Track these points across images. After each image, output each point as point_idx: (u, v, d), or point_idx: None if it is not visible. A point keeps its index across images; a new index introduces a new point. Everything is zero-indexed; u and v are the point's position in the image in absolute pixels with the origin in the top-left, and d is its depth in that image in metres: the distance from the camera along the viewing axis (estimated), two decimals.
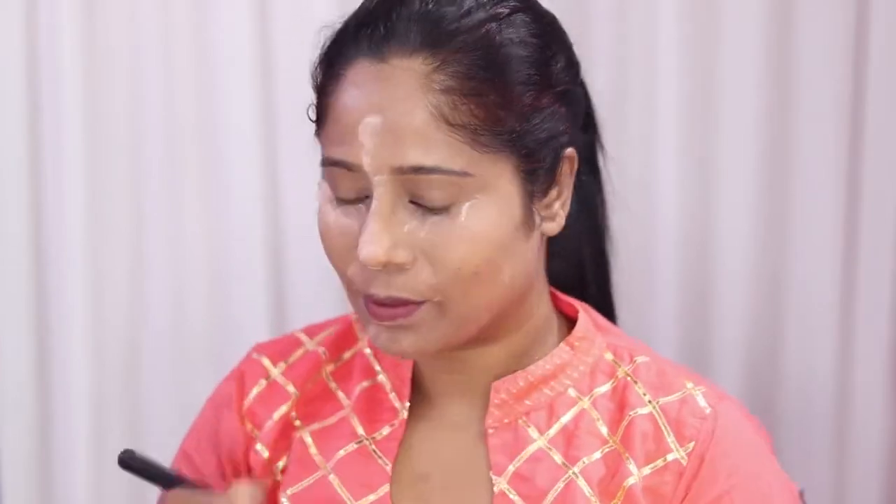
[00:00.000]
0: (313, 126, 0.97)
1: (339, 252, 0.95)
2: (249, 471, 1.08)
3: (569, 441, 0.99)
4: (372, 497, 1.01)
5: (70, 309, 1.41)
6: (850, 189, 1.37)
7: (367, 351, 1.08)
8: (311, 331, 1.13)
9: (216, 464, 1.09)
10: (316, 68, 0.97)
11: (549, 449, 0.99)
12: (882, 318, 1.37)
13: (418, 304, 0.93)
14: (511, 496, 0.98)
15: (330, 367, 1.09)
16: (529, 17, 0.96)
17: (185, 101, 1.42)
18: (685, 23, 1.37)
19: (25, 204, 1.40)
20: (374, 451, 1.03)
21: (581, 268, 1.14)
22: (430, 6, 0.92)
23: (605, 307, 1.14)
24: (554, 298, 1.06)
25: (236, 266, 1.44)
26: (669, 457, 0.97)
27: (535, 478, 0.98)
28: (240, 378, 1.11)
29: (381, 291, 0.93)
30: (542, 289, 1.03)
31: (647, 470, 0.97)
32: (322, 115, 0.96)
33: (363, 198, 0.93)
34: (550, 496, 0.98)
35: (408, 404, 1.04)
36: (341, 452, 1.04)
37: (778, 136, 1.38)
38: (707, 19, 1.38)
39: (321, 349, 1.10)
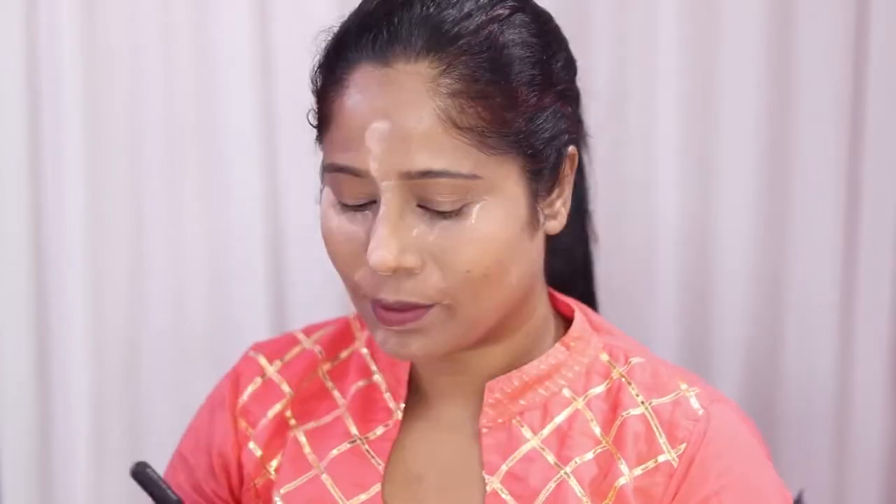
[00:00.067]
0: (313, 131, 0.97)
1: (345, 258, 0.95)
2: (241, 470, 1.08)
3: (562, 441, 0.99)
4: (363, 497, 1.02)
5: (70, 309, 1.41)
6: (850, 189, 1.37)
7: (364, 351, 1.08)
8: (308, 330, 1.13)
9: (207, 461, 1.09)
10: (315, 73, 0.97)
11: (543, 449, 0.99)
12: (882, 318, 1.37)
13: (427, 307, 0.93)
14: (503, 496, 0.98)
15: (326, 366, 1.09)
16: (528, 17, 0.96)
17: (185, 101, 1.41)
18: (685, 23, 1.37)
19: (25, 204, 1.40)
20: (368, 450, 1.03)
21: (571, 264, 1.15)
22: (432, 9, 0.92)
23: (590, 302, 1.15)
24: (551, 298, 1.06)
25: (236, 266, 1.44)
26: (660, 458, 0.97)
27: (527, 477, 0.98)
28: (235, 377, 1.11)
29: (390, 296, 0.93)
30: (541, 289, 1.03)
31: (638, 471, 0.97)
32: (324, 121, 0.95)
33: (369, 203, 0.93)
34: (542, 496, 0.98)
35: (403, 405, 1.04)
36: (334, 452, 1.04)
37: (778, 136, 1.39)
38: (707, 19, 1.38)
39: (317, 348, 1.10)
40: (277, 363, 1.10)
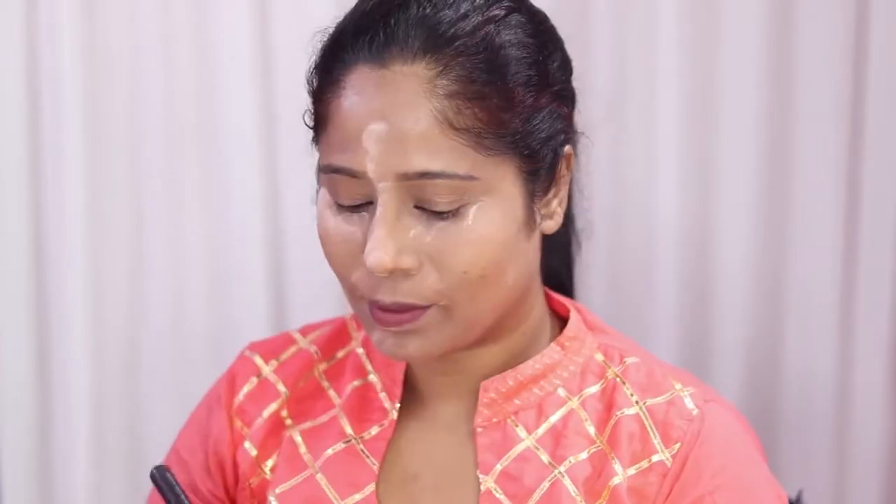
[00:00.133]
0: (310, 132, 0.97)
1: (342, 259, 0.95)
2: (237, 469, 1.08)
3: (556, 441, 0.99)
4: (358, 496, 1.02)
5: (70, 309, 1.41)
6: (850, 189, 1.37)
7: (360, 351, 1.09)
8: (305, 330, 1.13)
9: (203, 459, 1.09)
10: (311, 74, 0.97)
11: (537, 448, 0.99)
12: (882, 318, 1.37)
13: (424, 308, 0.93)
14: (497, 495, 0.98)
15: (323, 366, 1.09)
16: (524, 17, 0.96)
17: (185, 101, 1.41)
18: (685, 23, 1.37)
19: (25, 204, 1.40)
20: (362, 450, 1.03)
21: (564, 261, 1.15)
22: (428, 10, 0.92)
23: (567, 293, 1.15)
24: (547, 298, 1.06)
25: (236, 266, 1.44)
26: (654, 458, 0.97)
27: (522, 477, 0.98)
28: (231, 377, 1.11)
29: (386, 297, 0.93)
30: (537, 289, 1.03)
31: (632, 470, 0.97)
32: (321, 122, 0.95)
33: (366, 204, 0.93)
34: (536, 495, 0.98)
35: (398, 405, 1.04)
36: (329, 451, 1.04)
37: (778, 136, 1.38)
38: (707, 19, 1.37)
39: (313, 348, 1.10)
40: (273, 363, 1.10)
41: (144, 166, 1.43)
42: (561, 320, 1.06)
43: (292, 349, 1.11)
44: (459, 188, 0.90)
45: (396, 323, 0.94)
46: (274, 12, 1.41)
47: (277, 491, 1.05)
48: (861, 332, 1.38)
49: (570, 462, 0.98)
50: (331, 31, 0.96)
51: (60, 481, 1.44)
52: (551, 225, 0.99)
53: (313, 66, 0.97)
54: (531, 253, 0.98)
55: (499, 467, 0.99)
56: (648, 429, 0.98)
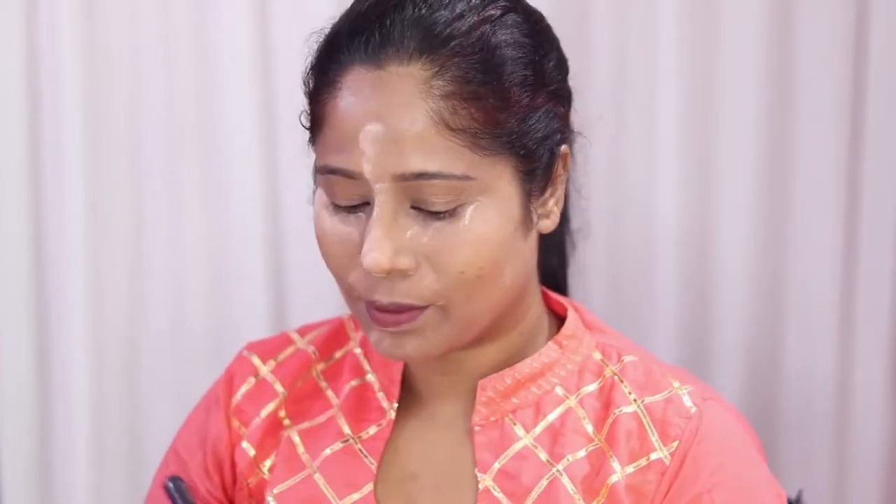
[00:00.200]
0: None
1: (339, 259, 0.95)
2: (234, 468, 1.08)
3: (554, 439, 0.99)
4: (356, 496, 1.02)
5: (70, 309, 1.41)
6: (850, 189, 1.37)
7: (358, 351, 1.09)
8: (303, 330, 1.13)
9: (201, 459, 1.10)
10: (308, 75, 0.97)
11: (535, 447, 0.99)
12: (882, 318, 1.37)
13: (421, 308, 0.93)
14: (495, 493, 0.99)
15: (321, 366, 1.10)
16: (520, 17, 0.96)
17: (185, 101, 1.41)
18: (685, 23, 1.37)
19: (25, 204, 1.40)
20: (360, 450, 1.03)
21: (561, 261, 1.16)
22: (423, 11, 0.92)
23: (562, 291, 1.15)
24: (545, 297, 1.06)
25: (236, 266, 1.44)
26: (653, 456, 0.97)
27: (520, 475, 0.99)
28: (229, 377, 1.11)
29: (384, 298, 0.93)
30: (535, 288, 1.03)
31: (630, 468, 0.97)
32: (317, 123, 0.96)
33: (362, 205, 0.93)
34: (534, 493, 0.98)
35: (396, 404, 1.04)
36: (327, 451, 1.04)
37: (778, 136, 1.38)
38: (707, 19, 1.37)
39: (311, 348, 1.11)
40: (271, 363, 1.10)
41: (144, 166, 1.43)
42: (559, 319, 1.06)
43: (290, 349, 1.11)
44: (456, 188, 0.91)
45: (394, 323, 0.94)
46: (274, 12, 1.41)
47: (275, 491, 1.05)
48: (861, 332, 1.38)
49: (568, 460, 0.98)
50: (327, 31, 0.96)
51: (60, 481, 1.44)
52: (548, 224, 0.99)
53: (309, 66, 0.97)
54: (528, 252, 0.98)
55: (497, 466, 0.99)
56: (646, 427, 0.98)
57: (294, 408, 1.08)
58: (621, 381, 1.01)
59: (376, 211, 0.91)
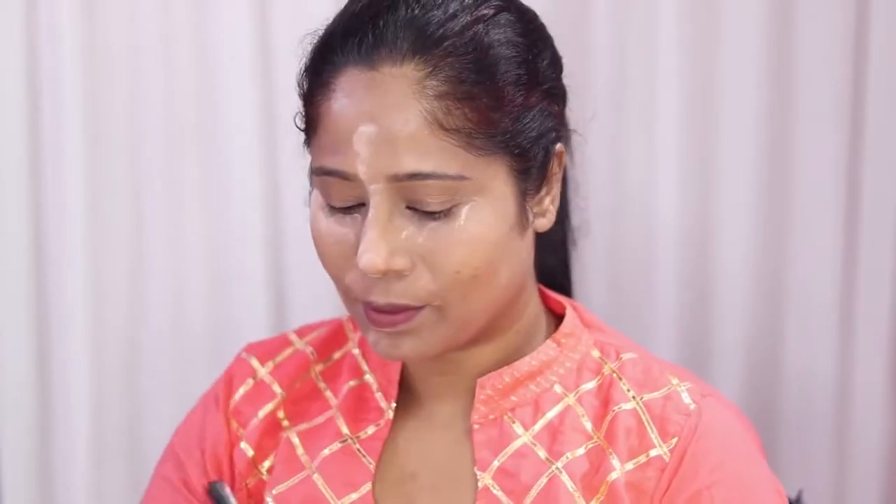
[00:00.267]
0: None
1: (335, 260, 0.95)
2: (233, 469, 1.08)
3: (553, 437, 1.00)
4: (354, 496, 1.02)
5: (70, 309, 1.41)
6: (850, 189, 1.37)
7: (356, 351, 1.09)
8: (302, 331, 1.13)
9: (199, 459, 1.10)
10: (302, 76, 0.97)
11: (534, 444, 1.00)
12: (882, 318, 1.37)
13: (418, 309, 0.93)
14: (495, 491, 0.99)
15: (319, 367, 1.10)
16: (514, 16, 0.96)
17: (185, 101, 1.42)
18: (685, 23, 1.37)
19: (25, 204, 1.40)
20: (359, 450, 1.03)
21: (560, 259, 1.16)
22: (416, 11, 0.92)
23: (566, 293, 1.15)
24: (542, 296, 1.06)
25: (236, 266, 1.44)
26: (652, 452, 0.97)
27: (519, 473, 0.99)
28: (228, 378, 1.11)
29: (380, 299, 0.93)
30: (532, 287, 1.04)
31: (629, 465, 0.97)
32: (312, 124, 0.96)
33: (358, 206, 0.93)
34: (534, 491, 0.98)
35: (394, 404, 1.04)
36: (326, 451, 1.04)
37: (778, 136, 1.38)
38: (707, 19, 1.37)
39: (309, 349, 1.11)
40: (269, 364, 1.10)
41: (144, 166, 1.43)
42: (557, 318, 1.06)
43: (288, 351, 1.11)
44: (451, 188, 0.91)
45: (390, 324, 0.94)
46: (274, 12, 1.41)
47: (274, 492, 1.05)
48: (861, 332, 1.38)
49: (567, 458, 0.98)
50: (320, 33, 0.96)
51: (60, 481, 1.44)
52: (544, 223, 0.99)
53: (303, 68, 0.97)
54: (524, 251, 0.98)
55: (496, 464, 0.99)
56: (646, 423, 0.98)
57: (293, 409, 1.08)
58: (620, 379, 1.01)
59: (371, 212, 0.91)
